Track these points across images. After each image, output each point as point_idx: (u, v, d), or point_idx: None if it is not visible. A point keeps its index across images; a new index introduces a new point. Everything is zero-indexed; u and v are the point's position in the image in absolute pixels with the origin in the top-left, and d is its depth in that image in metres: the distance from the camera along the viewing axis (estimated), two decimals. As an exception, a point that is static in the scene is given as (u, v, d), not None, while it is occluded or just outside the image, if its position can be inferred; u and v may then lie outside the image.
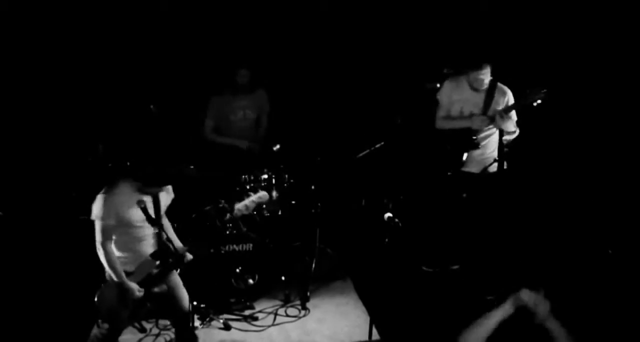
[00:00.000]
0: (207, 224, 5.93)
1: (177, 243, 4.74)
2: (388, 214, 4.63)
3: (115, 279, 4.43)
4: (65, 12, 6.82)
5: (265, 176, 6.22)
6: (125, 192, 4.41)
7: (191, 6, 7.15)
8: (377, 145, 6.44)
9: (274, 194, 6.25)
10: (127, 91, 7.09)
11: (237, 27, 7.28)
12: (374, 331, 5.08)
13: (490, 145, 5.87)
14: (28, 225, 6.57)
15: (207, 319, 5.60)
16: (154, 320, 5.54)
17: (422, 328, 5.48)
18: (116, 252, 4.48)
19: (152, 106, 6.26)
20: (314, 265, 6.40)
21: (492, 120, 5.66)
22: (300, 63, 7.51)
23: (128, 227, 4.46)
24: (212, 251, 5.73)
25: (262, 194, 4.86)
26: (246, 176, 6.19)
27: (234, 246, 5.79)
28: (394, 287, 5.92)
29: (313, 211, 6.50)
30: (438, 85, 7.29)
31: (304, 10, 7.35)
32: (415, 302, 5.82)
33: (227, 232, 5.83)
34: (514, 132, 5.75)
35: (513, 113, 5.77)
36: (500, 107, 5.72)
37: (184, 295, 4.75)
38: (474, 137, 5.77)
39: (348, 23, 7.41)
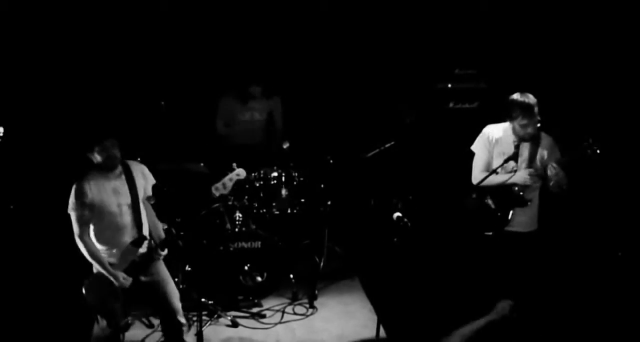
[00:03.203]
0: (216, 221, 5.96)
1: (159, 232, 4.75)
2: (397, 214, 4.62)
3: (100, 269, 4.45)
4: (80, 10, 6.85)
5: (275, 174, 6.23)
6: (94, 180, 4.46)
7: (202, 5, 7.16)
8: (387, 145, 6.44)
9: (284, 192, 6.25)
10: (138, 88, 7.11)
11: (247, 26, 7.28)
12: (381, 330, 5.08)
13: (536, 200, 5.09)
14: (39, 219, 6.59)
15: (215, 316, 5.61)
16: (161, 316, 5.57)
17: (429, 328, 5.47)
18: (98, 246, 4.51)
19: (162, 103, 6.28)
20: (322, 264, 6.41)
21: (543, 176, 4.84)
22: (310, 62, 7.50)
23: (103, 214, 4.47)
24: (221, 248, 5.74)
25: (239, 171, 4.67)
26: (256, 174, 6.20)
27: (243, 243, 5.79)
28: (401, 287, 5.91)
29: (322, 209, 6.50)
30: (449, 85, 7.31)
31: (316, 9, 7.35)
32: (422, 302, 5.81)
33: (236, 230, 5.84)
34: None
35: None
36: (546, 158, 4.90)
37: (173, 291, 4.74)
38: (521, 193, 4.93)
39: (359, 22, 7.40)
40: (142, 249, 4.61)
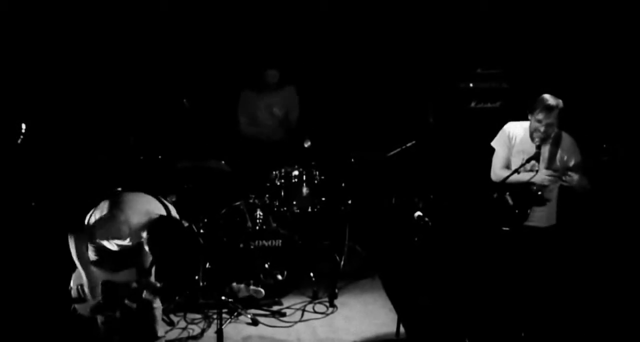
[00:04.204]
0: (237, 219, 5.98)
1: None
2: (418, 213, 4.61)
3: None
4: (103, 8, 6.92)
5: (296, 172, 6.23)
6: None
7: (223, 2, 7.20)
8: (409, 144, 6.42)
9: (305, 190, 6.25)
10: (161, 86, 7.15)
11: (270, 24, 7.30)
12: (401, 329, 5.07)
13: (555, 196, 5.08)
14: (59, 217, 6.64)
15: (235, 314, 5.63)
16: (182, 313, 5.60)
17: (449, 328, 5.46)
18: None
19: (185, 100, 6.30)
20: (342, 262, 6.41)
21: (561, 178, 4.79)
22: (332, 60, 7.50)
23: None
24: (242, 245, 5.74)
25: (259, 291, 4.60)
26: (277, 172, 6.21)
27: (263, 241, 5.79)
28: (422, 287, 5.90)
29: (343, 208, 6.49)
30: (471, 84, 7.28)
31: (337, 8, 7.35)
32: (443, 301, 5.79)
33: (257, 228, 5.85)
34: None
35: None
36: (566, 159, 4.91)
37: None
38: (539, 193, 4.89)
39: (381, 20, 7.39)
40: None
